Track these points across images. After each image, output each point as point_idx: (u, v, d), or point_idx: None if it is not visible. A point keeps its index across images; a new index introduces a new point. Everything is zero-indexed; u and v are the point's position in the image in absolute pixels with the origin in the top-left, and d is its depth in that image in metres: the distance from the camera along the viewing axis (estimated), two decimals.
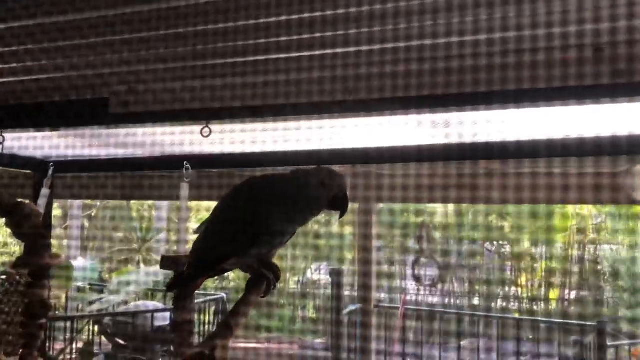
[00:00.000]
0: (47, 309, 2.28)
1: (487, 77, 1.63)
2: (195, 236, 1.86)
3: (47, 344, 5.44)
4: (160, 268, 2.56)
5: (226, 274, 9.03)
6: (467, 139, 2.37)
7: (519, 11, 1.53)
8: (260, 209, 1.65)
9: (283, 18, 1.71)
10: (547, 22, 1.55)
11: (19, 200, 2.46)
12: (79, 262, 8.36)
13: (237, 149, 3.03)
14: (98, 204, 11.62)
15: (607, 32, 1.57)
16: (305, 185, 1.67)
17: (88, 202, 11.06)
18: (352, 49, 1.77)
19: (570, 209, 9.50)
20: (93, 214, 12.35)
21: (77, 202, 10.77)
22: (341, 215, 1.70)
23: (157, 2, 1.77)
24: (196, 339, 6.20)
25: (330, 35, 1.75)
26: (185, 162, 2.95)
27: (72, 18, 1.89)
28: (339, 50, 1.79)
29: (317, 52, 1.86)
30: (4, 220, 2.41)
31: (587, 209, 9.65)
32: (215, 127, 2.26)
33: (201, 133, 2.14)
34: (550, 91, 1.62)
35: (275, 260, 1.86)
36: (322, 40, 1.78)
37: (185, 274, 1.79)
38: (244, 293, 1.68)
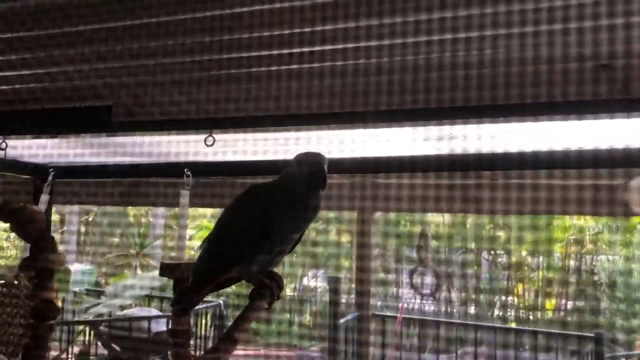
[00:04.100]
0: (55, 310, 2.28)
1: (492, 91, 1.65)
2: (198, 243, 1.87)
3: None
4: (160, 275, 2.56)
5: None
6: (470, 150, 2.39)
7: (521, 25, 1.55)
8: (262, 214, 1.66)
9: (286, 32, 1.73)
10: (549, 37, 1.58)
11: (22, 203, 2.47)
12: (75, 268, 8.34)
13: (238, 157, 3.05)
14: (95, 209, 11.60)
15: (606, 47, 1.60)
16: (289, 176, 1.70)
17: (85, 207, 11.05)
18: (354, 62, 1.79)
19: (568, 219, 9.52)
20: (90, 219, 12.33)
21: (74, 207, 10.76)
22: (321, 189, 1.66)
23: (162, 15, 1.78)
24: (193, 346, 6.17)
25: (331, 49, 1.77)
26: (185, 170, 2.96)
27: (78, 28, 1.91)
28: (342, 63, 1.81)
29: (318, 65, 1.88)
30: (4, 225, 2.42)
31: (585, 220, 9.68)
32: (217, 135, 2.27)
33: (205, 142, 2.15)
34: (552, 105, 1.65)
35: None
36: (323, 54, 1.80)
37: (190, 285, 1.79)
38: (248, 303, 1.69)
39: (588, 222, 9.80)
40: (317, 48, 1.76)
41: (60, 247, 10.72)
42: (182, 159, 3.12)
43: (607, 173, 3.22)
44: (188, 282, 1.85)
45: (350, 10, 1.63)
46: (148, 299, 7.83)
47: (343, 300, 6.97)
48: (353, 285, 6.96)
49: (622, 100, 1.65)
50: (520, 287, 10.57)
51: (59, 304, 7.37)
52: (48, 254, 2.30)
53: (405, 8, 1.58)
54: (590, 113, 1.70)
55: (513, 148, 2.37)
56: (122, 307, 7.11)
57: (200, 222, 10.81)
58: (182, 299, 1.88)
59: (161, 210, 11.24)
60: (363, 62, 1.78)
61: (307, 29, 1.70)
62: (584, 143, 2.31)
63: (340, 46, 1.74)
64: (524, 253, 10.21)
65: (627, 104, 1.66)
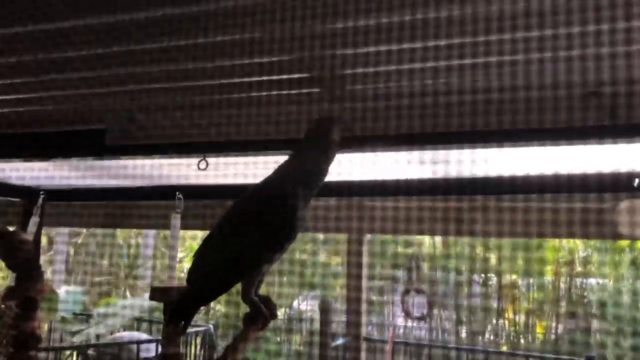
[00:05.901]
0: (37, 340, 2.24)
1: (485, 118, 1.68)
2: (188, 265, 1.84)
3: None
4: (150, 299, 2.53)
5: (213, 305, 8.89)
6: (464, 174, 2.41)
7: (512, 54, 1.58)
8: (256, 234, 1.63)
9: (275, 59, 1.75)
10: (539, 66, 1.61)
11: (10, 229, 2.44)
12: (63, 291, 8.23)
13: (229, 180, 3.05)
14: (84, 231, 11.47)
15: (593, 75, 1.64)
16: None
17: (74, 229, 10.93)
18: (350, 87, 1.82)
19: (558, 242, 9.57)
20: (79, 242, 12.19)
21: (63, 230, 10.64)
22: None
23: (157, 40, 1.80)
24: None
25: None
26: (177, 193, 2.95)
27: (68, 54, 1.91)
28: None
29: (308, 90, 1.90)
30: None
31: (574, 243, 9.73)
32: (210, 159, 2.27)
33: (198, 166, 2.15)
34: (542, 132, 1.68)
35: (263, 289, 1.82)
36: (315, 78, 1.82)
37: (182, 306, 1.74)
38: (242, 329, 1.67)
39: (578, 245, 9.86)
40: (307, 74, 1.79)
41: (49, 270, 10.57)
42: (173, 181, 3.11)
43: (596, 197, 3.27)
44: (186, 295, 1.79)
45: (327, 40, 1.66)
46: (137, 322, 7.71)
47: (334, 324, 6.91)
48: (344, 308, 6.91)
49: (609, 127, 1.68)
50: (510, 309, 10.55)
51: (45, 328, 7.26)
52: (33, 283, 2.27)
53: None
54: (579, 139, 1.73)
55: (506, 172, 2.40)
56: (111, 331, 7.00)
57: (189, 244, 10.71)
58: (177, 318, 1.81)
59: (152, 232, 11.15)
60: (359, 87, 1.81)
61: (304, 54, 1.72)
62: (574, 167, 2.35)
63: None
64: (514, 276, 10.22)
65: (614, 130, 1.69)
